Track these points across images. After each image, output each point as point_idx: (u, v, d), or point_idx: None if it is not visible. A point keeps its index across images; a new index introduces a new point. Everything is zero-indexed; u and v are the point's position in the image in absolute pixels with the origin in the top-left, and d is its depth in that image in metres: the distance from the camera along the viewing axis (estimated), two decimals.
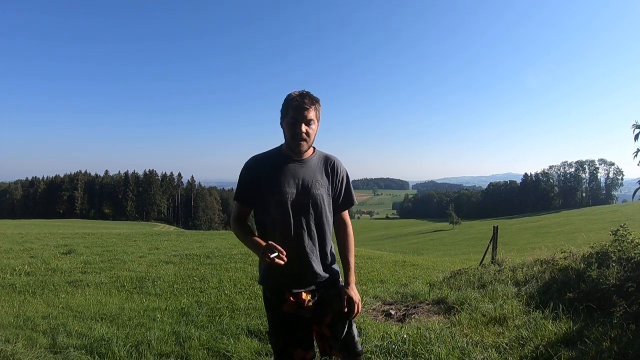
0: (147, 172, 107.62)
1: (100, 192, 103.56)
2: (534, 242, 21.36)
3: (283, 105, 1.98)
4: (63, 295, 5.91)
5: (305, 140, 1.95)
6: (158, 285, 6.68)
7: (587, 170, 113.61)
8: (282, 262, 1.80)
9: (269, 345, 3.53)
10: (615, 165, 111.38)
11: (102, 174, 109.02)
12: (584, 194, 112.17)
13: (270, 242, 1.84)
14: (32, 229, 24.93)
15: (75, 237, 15.81)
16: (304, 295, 1.98)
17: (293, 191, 1.96)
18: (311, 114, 1.93)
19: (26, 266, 7.94)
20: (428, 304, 4.91)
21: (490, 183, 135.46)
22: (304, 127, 1.92)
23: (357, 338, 2.09)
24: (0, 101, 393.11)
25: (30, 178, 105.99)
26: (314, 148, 2.08)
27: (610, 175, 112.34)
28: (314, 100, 1.96)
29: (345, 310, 2.00)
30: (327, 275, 2.04)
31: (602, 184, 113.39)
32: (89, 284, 6.64)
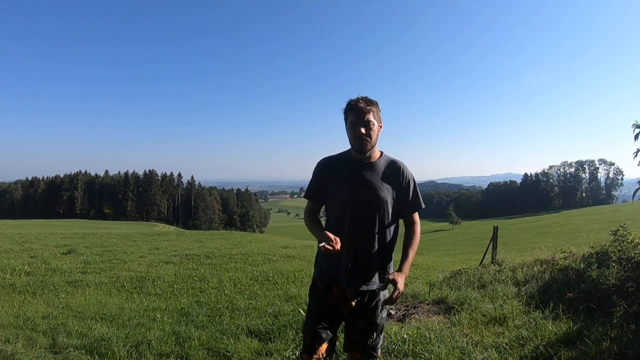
0: (147, 172, 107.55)
1: (100, 192, 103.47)
2: (534, 242, 21.36)
3: (344, 111, 2.09)
4: (63, 295, 5.91)
5: (366, 140, 2.03)
6: (158, 285, 6.68)
7: (587, 170, 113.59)
8: (331, 249, 1.89)
9: (269, 345, 3.54)
10: (615, 165, 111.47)
11: (102, 174, 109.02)
12: (584, 194, 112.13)
13: (325, 232, 1.97)
14: (32, 229, 24.93)
15: (75, 237, 15.81)
16: (350, 293, 2.07)
17: (358, 192, 2.05)
18: (368, 116, 2.03)
19: (26, 266, 7.94)
20: (428, 304, 4.90)
21: (490, 183, 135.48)
22: (362, 129, 2.02)
23: (380, 343, 2.18)
24: (1, 101, 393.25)
25: (30, 178, 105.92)
26: (381, 152, 2.17)
27: (610, 175, 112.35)
28: (370, 103, 2.06)
29: (386, 294, 2.06)
30: (378, 283, 2.10)
31: (602, 184, 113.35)
32: (89, 284, 6.64)
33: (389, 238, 2.12)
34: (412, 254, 2.12)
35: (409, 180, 2.15)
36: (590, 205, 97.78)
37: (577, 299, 4.08)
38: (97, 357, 3.40)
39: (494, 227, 8.45)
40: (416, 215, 2.19)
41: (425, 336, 3.48)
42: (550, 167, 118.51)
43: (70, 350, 3.47)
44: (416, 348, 3.27)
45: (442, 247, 39.70)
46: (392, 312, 4.68)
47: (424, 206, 2.20)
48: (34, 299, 5.70)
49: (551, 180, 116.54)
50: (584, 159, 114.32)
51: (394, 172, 2.13)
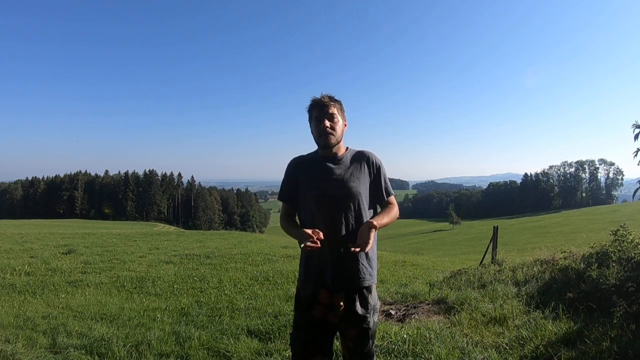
0: (147, 172, 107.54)
1: (100, 192, 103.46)
2: (534, 242, 21.35)
3: (308, 109, 2.11)
4: (63, 295, 5.91)
5: (331, 134, 2.04)
6: (158, 285, 6.68)
7: (587, 170, 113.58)
8: (314, 245, 1.85)
9: (269, 345, 3.54)
10: (615, 165, 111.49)
11: (102, 174, 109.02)
12: (584, 194, 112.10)
13: (302, 229, 1.92)
14: (32, 229, 24.92)
15: (75, 237, 15.81)
16: (338, 299, 2.01)
17: (329, 186, 2.03)
18: (332, 109, 2.06)
19: (26, 266, 7.94)
20: (428, 304, 4.90)
21: (490, 183, 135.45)
22: (327, 122, 2.04)
23: (373, 350, 2.13)
24: (1, 102, 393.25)
25: (30, 178, 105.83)
26: (347, 147, 2.17)
27: (610, 175, 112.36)
28: (334, 99, 2.09)
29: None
30: (365, 279, 2.03)
31: (602, 184, 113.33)
32: (89, 284, 6.64)
33: None
34: (385, 215, 2.08)
35: (379, 167, 2.14)
36: (590, 205, 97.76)
37: (577, 299, 4.08)
38: (97, 357, 3.40)
39: (494, 227, 8.45)
40: (392, 198, 2.17)
41: (425, 336, 3.48)
42: (550, 167, 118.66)
43: (70, 350, 3.46)
44: (416, 348, 3.27)
45: (442, 247, 39.70)
46: (392, 312, 4.67)
47: (393, 193, 2.20)
48: (34, 299, 5.70)
49: (551, 180, 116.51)
50: (584, 159, 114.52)
51: (363, 162, 2.11)
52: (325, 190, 2.03)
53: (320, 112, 2.04)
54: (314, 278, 2.03)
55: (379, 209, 2.19)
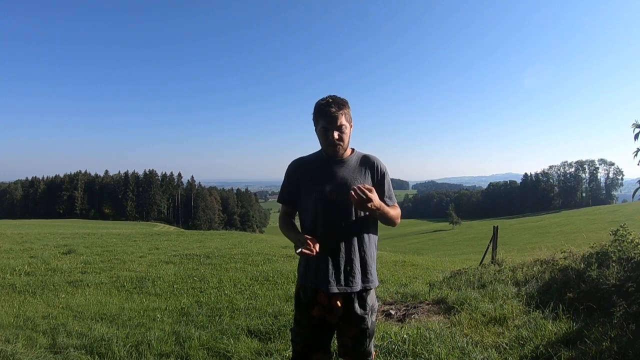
0: (147, 172, 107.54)
1: (100, 192, 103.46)
2: (534, 242, 21.35)
3: (313, 113, 2.05)
4: (63, 295, 5.91)
5: (339, 144, 2.02)
6: (158, 285, 6.67)
7: (587, 170, 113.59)
8: (309, 252, 1.85)
9: (269, 345, 3.54)
10: (615, 165, 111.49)
11: (102, 174, 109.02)
12: (584, 194, 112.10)
13: (300, 234, 1.92)
14: (32, 229, 24.92)
15: (75, 237, 15.80)
16: (336, 300, 2.01)
17: (332, 189, 2.01)
18: (341, 119, 1.99)
19: (26, 266, 7.93)
20: (428, 304, 4.90)
21: (490, 183, 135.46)
22: (336, 134, 1.99)
23: (372, 350, 2.14)
24: (1, 102, 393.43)
25: (30, 178, 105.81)
26: (353, 149, 2.14)
27: (610, 175, 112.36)
28: (341, 105, 2.00)
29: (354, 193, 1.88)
30: (364, 283, 2.03)
31: (602, 184, 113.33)
32: (89, 284, 6.64)
33: (367, 235, 2.05)
34: (391, 209, 2.04)
35: (383, 174, 2.10)
36: (590, 205, 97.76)
37: (577, 299, 4.08)
38: (97, 357, 3.40)
39: (494, 227, 8.45)
40: (395, 206, 2.13)
41: (425, 336, 3.48)
42: (550, 167, 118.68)
43: (70, 350, 3.46)
44: (416, 348, 3.27)
45: (442, 247, 39.71)
46: (392, 312, 4.68)
47: (395, 201, 2.15)
48: (34, 299, 5.70)
49: (551, 180, 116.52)
50: (584, 159, 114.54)
51: (368, 166, 2.09)
52: (327, 192, 2.01)
53: (328, 123, 1.98)
54: (312, 279, 2.03)
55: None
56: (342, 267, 1.99)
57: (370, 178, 2.08)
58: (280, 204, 2.20)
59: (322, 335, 2.07)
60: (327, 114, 1.97)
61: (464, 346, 3.28)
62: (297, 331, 2.11)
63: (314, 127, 2.08)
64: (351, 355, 2.09)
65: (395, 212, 2.08)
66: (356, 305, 2.02)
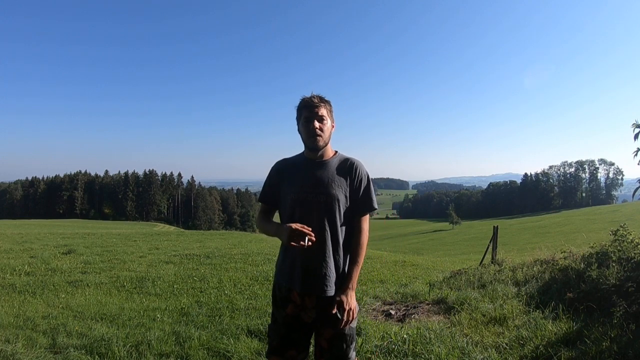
0: (147, 172, 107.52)
1: (100, 192, 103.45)
2: (534, 242, 21.36)
3: (297, 108, 2.09)
4: (63, 295, 5.91)
5: (319, 135, 2.02)
6: (158, 285, 6.67)
7: (587, 170, 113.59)
8: (309, 244, 1.86)
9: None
10: (615, 165, 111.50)
11: (102, 174, 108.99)
12: (584, 194, 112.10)
13: (289, 225, 1.90)
14: (32, 229, 24.91)
15: (75, 237, 15.80)
16: (308, 301, 2.01)
17: (309, 190, 2.01)
18: (322, 111, 2.04)
19: (26, 266, 7.93)
20: (428, 304, 4.91)
21: (490, 183, 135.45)
22: (316, 124, 2.02)
23: (352, 353, 2.07)
24: (1, 102, 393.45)
25: (30, 178, 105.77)
26: (336, 151, 2.15)
27: (610, 175, 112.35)
28: (324, 100, 2.08)
29: (334, 313, 1.93)
30: (336, 285, 2.00)
31: (602, 184, 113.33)
32: (89, 284, 6.64)
33: (342, 238, 2.03)
34: (356, 271, 2.02)
35: (361, 179, 2.08)
36: (590, 205, 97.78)
37: (577, 299, 4.08)
38: (97, 357, 3.40)
39: (494, 227, 8.45)
40: (365, 222, 2.08)
41: (425, 336, 3.48)
42: (550, 167, 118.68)
43: (70, 350, 3.46)
44: (416, 348, 3.27)
45: (442, 247, 39.71)
46: (392, 312, 4.68)
47: (376, 207, 2.12)
48: (34, 299, 5.70)
49: (551, 180, 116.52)
50: (584, 159, 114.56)
51: (347, 169, 2.07)
52: (304, 193, 2.01)
53: (310, 113, 2.02)
54: (286, 278, 2.05)
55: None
56: (315, 269, 1.97)
57: (348, 183, 2.06)
58: (260, 203, 2.20)
59: (296, 332, 2.05)
60: (309, 104, 2.03)
61: (464, 346, 3.28)
62: (272, 327, 2.12)
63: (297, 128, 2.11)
64: (327, 358, 2.05)
65: (359, 259, 2.04)
66: (330, 306, 1.98)
